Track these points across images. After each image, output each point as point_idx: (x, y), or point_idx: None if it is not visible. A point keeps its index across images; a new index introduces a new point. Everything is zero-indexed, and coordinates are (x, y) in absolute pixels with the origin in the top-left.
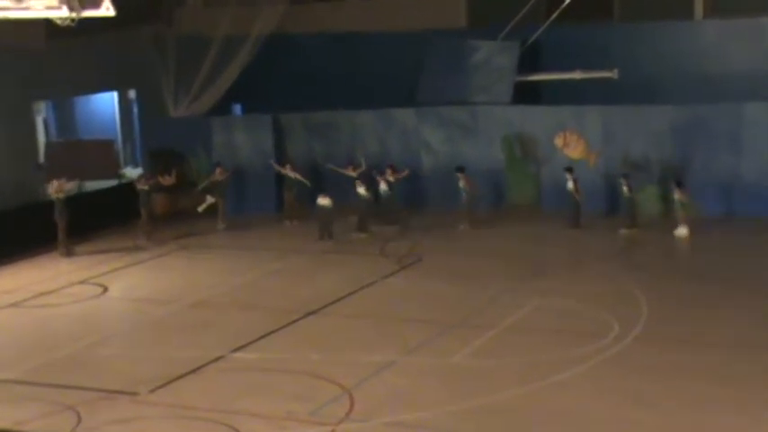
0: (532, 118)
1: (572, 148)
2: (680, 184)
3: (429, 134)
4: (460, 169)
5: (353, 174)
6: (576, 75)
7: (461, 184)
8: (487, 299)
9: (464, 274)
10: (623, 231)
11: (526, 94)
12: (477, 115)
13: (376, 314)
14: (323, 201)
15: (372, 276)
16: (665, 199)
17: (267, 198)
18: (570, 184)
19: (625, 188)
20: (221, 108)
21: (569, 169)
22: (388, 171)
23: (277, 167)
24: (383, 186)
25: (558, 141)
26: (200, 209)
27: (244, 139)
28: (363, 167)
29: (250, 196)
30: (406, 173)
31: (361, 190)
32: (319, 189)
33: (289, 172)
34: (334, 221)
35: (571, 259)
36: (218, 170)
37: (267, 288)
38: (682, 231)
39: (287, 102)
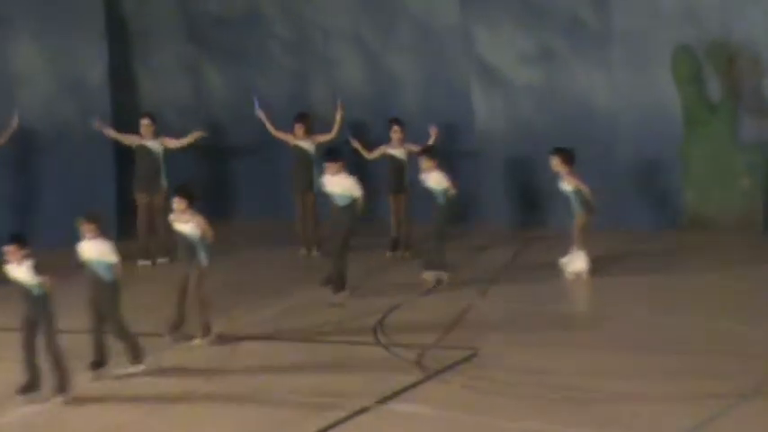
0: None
1: None
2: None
3: (491, 45)
4: None
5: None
6: None
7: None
8: None
9: (577, 394)
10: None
11: None
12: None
13: None
14: (181, 222)
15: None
16: None
17: (96, 198)
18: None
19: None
20: None
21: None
22: (395, 131)
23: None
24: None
25: None
26: None
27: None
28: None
29: (45, 201)
30: (433, 136)
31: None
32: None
33: (148, 140)
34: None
35: None
36: None
37: None
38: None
39: None
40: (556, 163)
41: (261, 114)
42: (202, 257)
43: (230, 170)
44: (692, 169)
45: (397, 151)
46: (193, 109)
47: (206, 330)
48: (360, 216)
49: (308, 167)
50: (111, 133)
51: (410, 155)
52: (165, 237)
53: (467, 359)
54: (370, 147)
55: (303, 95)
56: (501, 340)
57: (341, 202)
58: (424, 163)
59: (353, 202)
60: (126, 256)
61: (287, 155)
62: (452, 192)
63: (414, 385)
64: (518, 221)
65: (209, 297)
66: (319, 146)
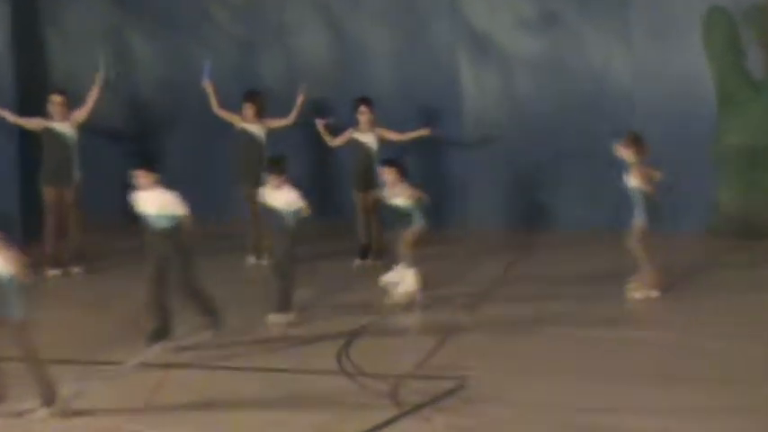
0: None
1: None
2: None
3: (482, 7)
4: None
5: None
6: None
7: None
8: None
9: None
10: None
11: None
12: None
13: None
14: None
15: None
16: None
17: None
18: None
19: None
20: None
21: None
22: (363, 112)
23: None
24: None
25: None
26: None
27: None
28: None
29: None
30: (417, 134)
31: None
32: None
33: (58, 122)
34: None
35: None
36: None
37: None
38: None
39: None
40: (390, 177)
41: (208, 86)
42: (16, 308)
43: (160, 159)
44: (727, 161)
45: (366, 137)
46: (116, 84)
47: (49, 397)
48: (188, 245)
49: (258, 157)
50: (9, 117)
51: (382, 142)
52: (78, 240)
53: (452, 392)
54: (334, 131)
55: (252, 69)
56: (493, 368)
57: (158, 225)
58: (271, 179)
59: (176, 224)
60: (32, 264)
61: (233, 141)
62: (306, 213)
63: (387, 424)
64: (514, 224)
65: (39, 354)
66: (271, 132)
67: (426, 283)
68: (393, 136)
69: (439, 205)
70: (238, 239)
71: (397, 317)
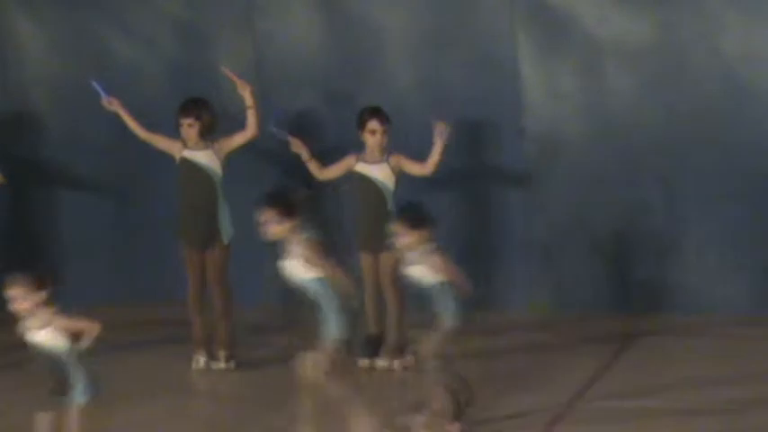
0: None
1: None
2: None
3: None
4: None
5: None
6: None
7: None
8: None
9: None
10: None
11: None
12: None
13: None
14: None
15: None
16: None
17: None
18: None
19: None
20: None
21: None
22: (373, 129)
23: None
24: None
25: None
26: None
27: None
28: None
29: None
30: (439, 142)
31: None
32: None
33: None
34: None
35: None
36: None
37: None
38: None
39: None
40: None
41: (111, 104)
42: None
43: (52, 206)
44: None
45: (376, 169)
46: None
47: None
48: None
49: (209, 198)
50: None
51: (399, 175)
52: None
53: None
54: (326, 157)
55: (203, 70)
56: None
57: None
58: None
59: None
60: None
61: (170, 176)
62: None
63: None
64: (608, 306)
65: None
66: (228, 157)
67: None
68: (417, 169)
69: (489, 276)
70: (178, 328)
71: None
